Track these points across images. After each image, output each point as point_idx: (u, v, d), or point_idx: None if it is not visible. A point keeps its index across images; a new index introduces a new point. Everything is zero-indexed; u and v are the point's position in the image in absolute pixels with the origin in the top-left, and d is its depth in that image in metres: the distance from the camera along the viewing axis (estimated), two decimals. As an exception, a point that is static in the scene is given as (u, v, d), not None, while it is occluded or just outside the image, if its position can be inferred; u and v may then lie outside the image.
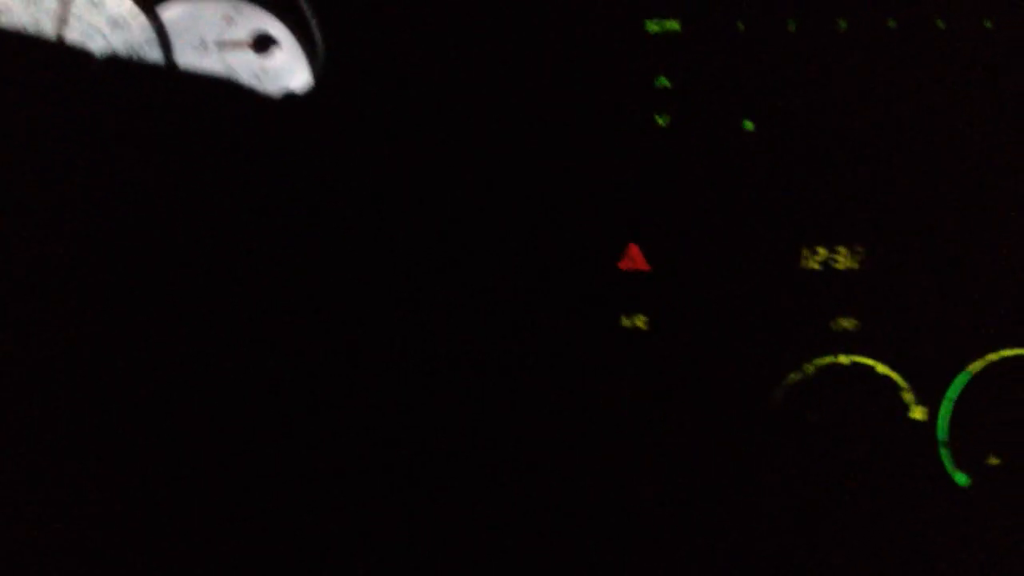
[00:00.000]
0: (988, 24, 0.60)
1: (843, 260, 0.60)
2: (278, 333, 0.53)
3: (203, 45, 0.85)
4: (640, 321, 0.60)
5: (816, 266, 0.60)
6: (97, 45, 0.83)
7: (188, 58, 0.85)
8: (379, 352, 0.57)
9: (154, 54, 0.84)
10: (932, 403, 0.58)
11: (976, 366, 0.58)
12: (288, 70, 0.85)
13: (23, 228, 0.47)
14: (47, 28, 0.83)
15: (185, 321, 0.51)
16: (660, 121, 0.61)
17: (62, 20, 0.83)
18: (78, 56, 0.50)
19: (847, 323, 0.59)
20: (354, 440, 0.56)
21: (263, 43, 0.85)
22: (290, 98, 0.54)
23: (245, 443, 0.52)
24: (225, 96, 0.53)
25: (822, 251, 0.60)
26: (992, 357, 0.58)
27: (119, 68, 0.50)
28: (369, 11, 0.58)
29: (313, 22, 0.56)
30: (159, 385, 0.50)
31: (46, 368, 0.47)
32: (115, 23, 0.83)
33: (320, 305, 0.54)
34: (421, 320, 0.58)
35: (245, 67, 0.85)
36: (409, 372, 0.57)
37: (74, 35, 0.83)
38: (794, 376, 0.59)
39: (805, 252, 0.60)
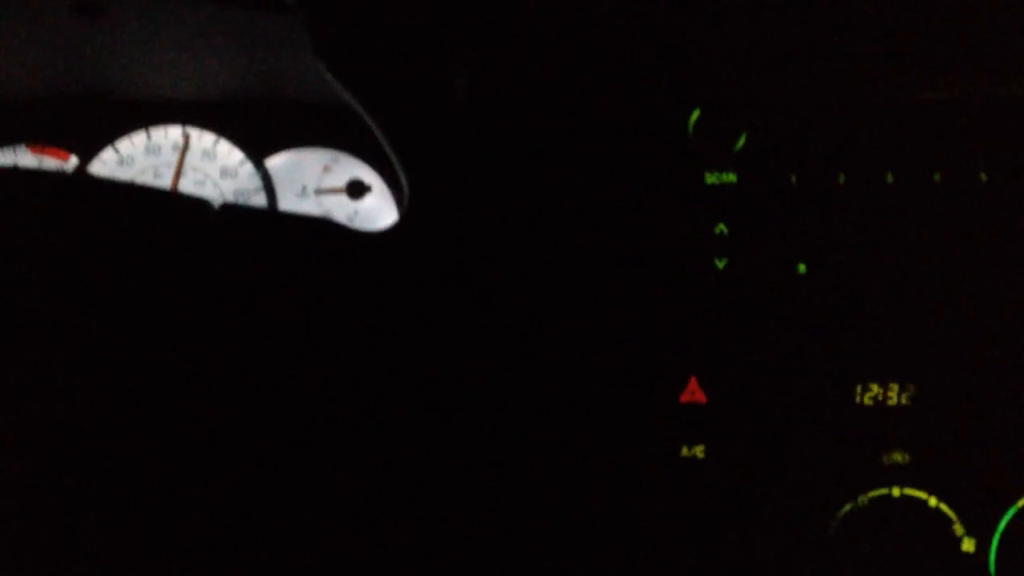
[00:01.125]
0: (1029, 177, 0.64)
1: (895, 397, 0.63)
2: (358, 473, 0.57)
3: (304, 191, 0.93)
4: (699, 451, 0.63)
5: (869, 402, 0.63)
6: (208, 192, 0.92)
7: (290, 203, 0.93)
8: (458, 484, 0.60)
9: (259, 199, 0.92)
10: (983, 536, 0.60)
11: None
12: (378, 212, 0.93)
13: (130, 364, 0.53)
14: (166, 176, 0.92)
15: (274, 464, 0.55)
16: (719, 264, 0.65)
17: (178, 170, 0.92)
18: (195, 203, 0.56)
19: (899, 457, 0.62)
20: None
21: (357, 189, 0.93)
22: (379, 236, 0.60)
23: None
24: (322, 234, 0.59)
25: (875, 387, 0.63)
26: (1041, 492, 0.60)
27: (231, 215, 0.56)
28: (450, 163, 0.64)
29: (400, 171, 0.62)
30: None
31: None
32: (226, 172, 0.92)
33: (398, 434, 0.59)
34: (492, 451, 0.62)
35: (340, 210, 0.93)
36: (475, 507, 0.61)
37: (188, 183, 0.92)
38: (848, 508, 0.62)
39: (858, 388, 0.63)
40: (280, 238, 0.57)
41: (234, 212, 0.57)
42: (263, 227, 0.58)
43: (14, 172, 0.56)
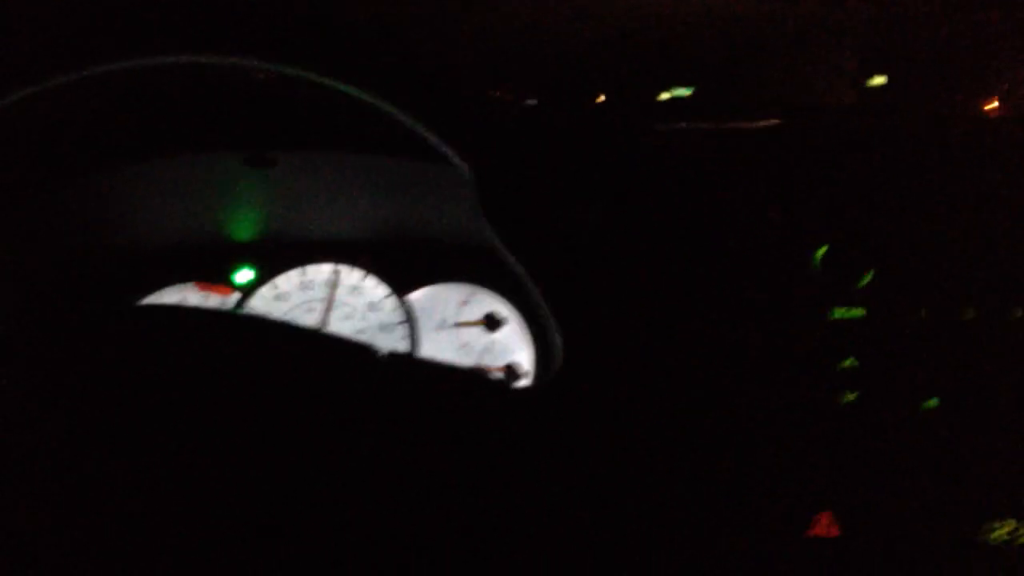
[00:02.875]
0: None
1: (1031, 532, 0.63)
2: None
3: (443, 323, 0.98)
4: None
5: (1000, 539, 0.63)
6: (356, 325, 0.98)
7: (430, 334, 0.98)
8: None
9: (402, 331, 0.98)
10: None
11: None
12: (513, 344, 0.97)
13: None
14: (317, 310, 0.98)
15: None
16: (848, 397, 0.67)
17: (329, 304, 0.99)
18: (362, 350, 0.60)
19: None
20: None
21: (493, 322, 0.97)
22: (528, 392, 0.64)
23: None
24: (465, 386, 0.62)
25: (1005, 525, 0.63)
26: None
27: (394, 363, 0.60)
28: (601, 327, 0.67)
29: (556, 334, 0.66)
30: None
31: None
32: (372, 306, 0.98)
33: None
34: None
35: (476, 342, 0.98)
36: None
37: (338, 316, 0.98)
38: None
39: (989, 526, 0.63)
40: (436, 385, 0.61)
41: (397, 359, 0.61)
42: (421, 374, 0.62)
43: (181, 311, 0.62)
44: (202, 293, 0.99)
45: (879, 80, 0.94)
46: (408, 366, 0.60)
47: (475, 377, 0.61)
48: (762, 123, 0.75)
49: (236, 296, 0.99)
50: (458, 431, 0.59)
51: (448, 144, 0.64)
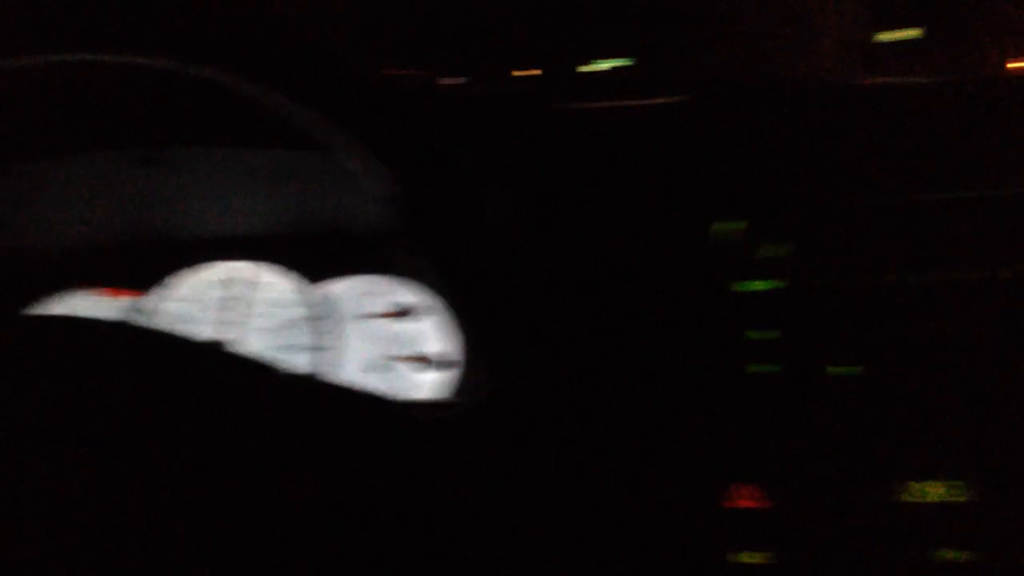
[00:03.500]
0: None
1: (945, 494, 0.63)
2: None
3: (355, 315, 0.96)
4: (746, 556, 0.64)
5: (920, 499, 0.64)
6: (260, 322, 0.95)
7: (341, 328, 0.96)
8: None
9: (310, 327, 0.95)
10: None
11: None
12: (426, 334, 0.96)
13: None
14: (227, 307, 0.95)
15: None
16: (765, 368, 0.67)
17: (238, 301, 0.96)
18: (262, 370, 0.58)
19: (954, 554, 0.62)
20: None
21: (404, 313, 0.96)
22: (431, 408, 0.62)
23: None
24: (370, 409, 0.61)
25: (924, 486, 0.64)
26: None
27: (294, 382, 0.58)
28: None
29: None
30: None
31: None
32: (276, 302, 0.96)
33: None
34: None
35: (388, 334, 0.96)
36: None
37: (240, 314, 0.96)
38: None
39: (908, 486, 0.64)
40: (339, 412, 0.59)
41: (299, 380, 0.59)
42: (325, 398, 0.60)
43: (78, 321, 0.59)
44: (111, 296, 0.95)
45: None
46: (309, 389, 0.58)
47: (380, 404, 0.59)
48: (671, 98, 0.75)
49: (147, 298, 0.95)
50: (357, 463, 0.58)
51: (343, 131, 0.62)
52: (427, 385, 0.94)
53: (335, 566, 0.55)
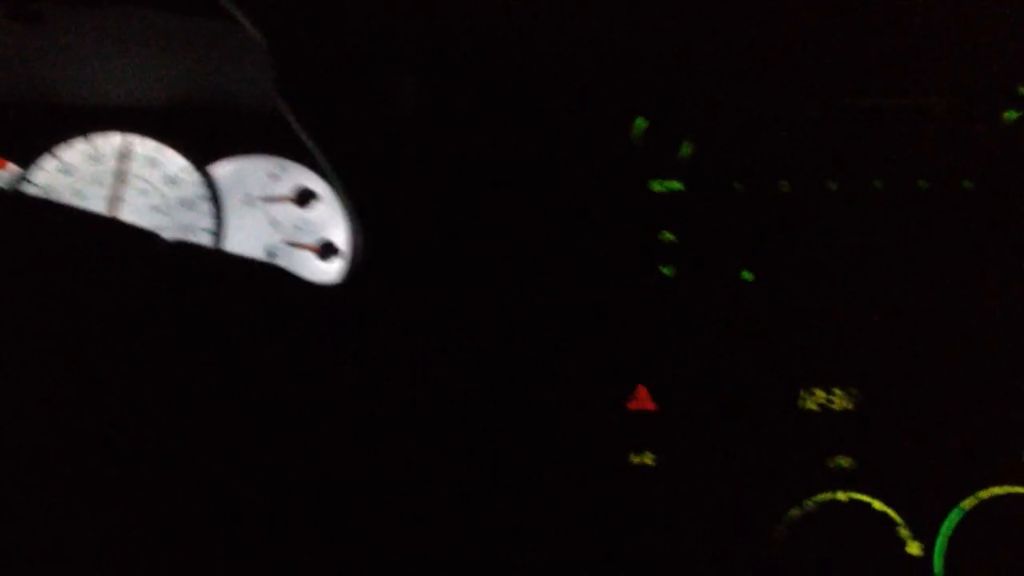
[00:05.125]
0: (967, 184, 0.65)
1: (839, 401, 0.63)
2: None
3: (249, 199, 0.92)
4: (648, 458, 0.63)
5: (814, 407, 0.63)
6: (152, 200, 0.90)
7: (236, 210, 0.92)
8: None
9: (204, 207, 0.91)
10: (927, 539, 0.61)
11: (968, 503, 0.61)
12: (327, 221, 0.92)
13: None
14: (108, 184, 0.90)
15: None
16: (666, 272, 0.66)
17: (121, 177, 0.91)
18: (145, 236, 0.54)
19: (844, 461, 0.62)
20: None
21: (304, 197, 0.92)
22: (329, 289, 0.59)
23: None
24: (267, 281, 0.57)
25: (819, 393, 0.64)
26: (983, 494, 0.61)
27: (179, 250, 0.55)
28: (400, 204, 0.63)
29: (354, 222, 0.61)
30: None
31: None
32: (170, 180, 0.91)
33: (346, 457, 0.58)
34: (444, 464, 0.62)
35: (287, 218, 0.92)
36: (427, 523, 0.60)
37: (132, 191, 0.90)
38: (794, 512, 0.62)
39: (803, 394, 0.64)
40: (228, 281, 0.55)
41: (183, 249, 0.56)
42: (212, 267, 0.56)
43: None
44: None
45: None
46: (195, 257, 0.55)
47: (270, 271, 0.56)
48: None
49: (14, 169, 0.90)
50: (249, 333, 0.54)
51: (237, 4, 0.57)
52: (327, 273, 0.90)
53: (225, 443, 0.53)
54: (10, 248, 0.52)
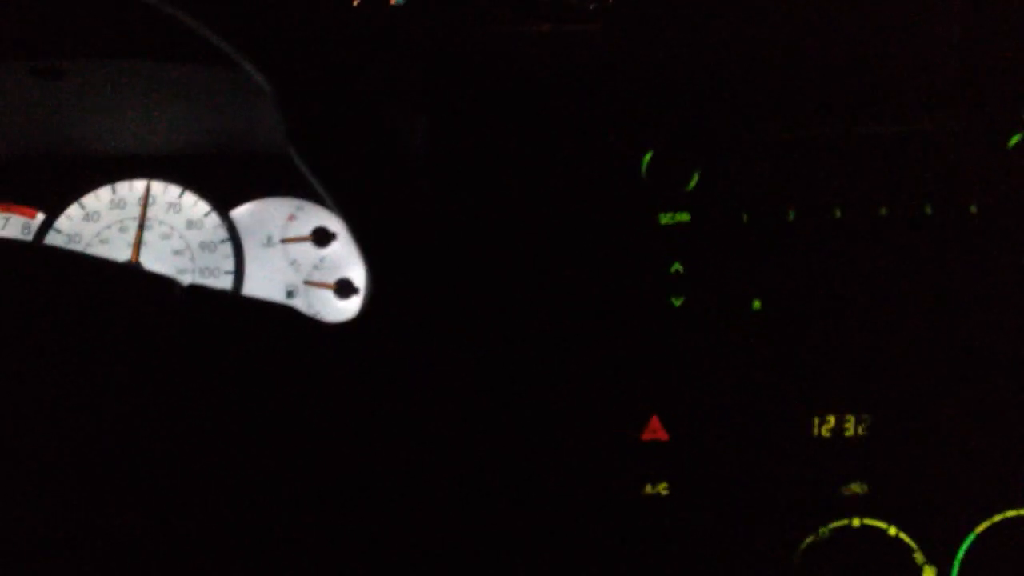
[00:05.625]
0: (973, 209, 0.65)
1: (851, 428, 0.64)
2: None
3: (269, 241, 0.93)
4: (662, 488, 0.64)
5: (826, 434, 0.64)
6: (175, 244, 0.92)
7: (256, 252, 0.93)
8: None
9: (225, 249, 0.93)
10: (943, 564, 0.61)
11: (983, 527, 0.61)
12: (345, 259, 0.93)
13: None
14: (131, 229, 0.92)
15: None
16: (676, 302, 0.66)
17: (142, 222, 0.93)
18: (161, 282, 0.56)
19: (857, 488, 0.63)
20: None
21: (322, 237, 0.93)
22: (341, 327, 0.60)
23: None
24: (284, 323, 0.58)
25: (831, 419, 0.64)
26: (998, 518, 0.61)
27: (196, 296, 0.56)
28: (412, 254, 0.64)
29: (365, 263, 0.62)
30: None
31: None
32: (191, 224, 0.93)
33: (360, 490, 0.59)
34: (458, 495, 0.63)
35: (306, 258, 0.93)
36: (441, 555, 0.61)
37: (154, 235, 0.92)
38: (810, 540, 0.62)
39: (816, 421, 0.64)
40: (243, 323, 0.57)
41: (199, 294, 0.57)
42: (227, 310, 0.57)
43: None
44: (2, 215, 0.92)
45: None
46: (210, 301, 0.56)
47: (285, 313, 0.57)
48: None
49: (40, 217, 0.92)
50: (264, 373, 0.56)
51: (243, 52, 0.59)
52: (345, 310, 0.92)
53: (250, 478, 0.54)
54: (27, 297, 0.53)
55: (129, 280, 0.55)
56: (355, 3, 0.84)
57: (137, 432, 0.51)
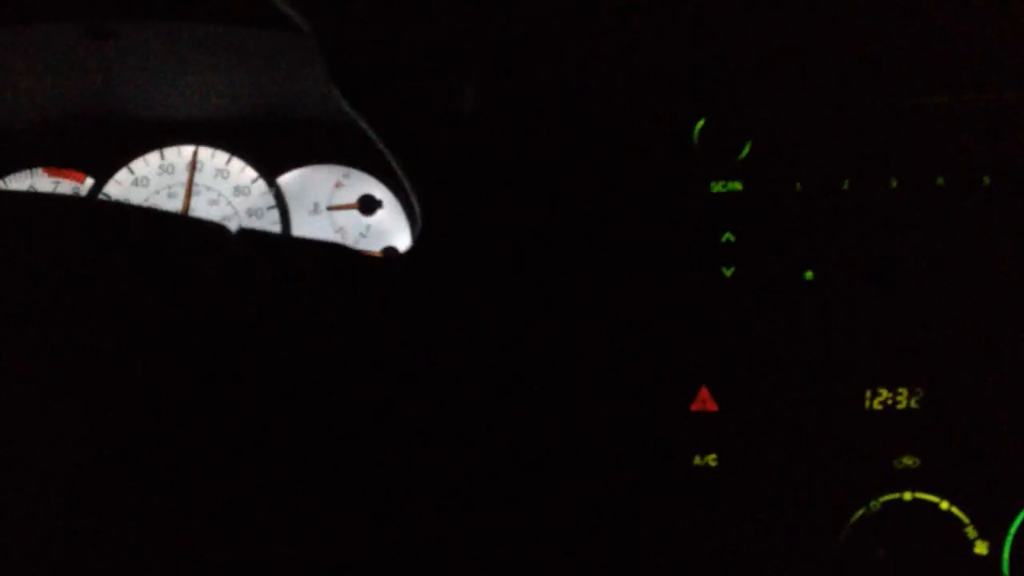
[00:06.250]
0: (1033, 180, 0.64)
1: (904, 401, 0.63)
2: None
3: (316, 208, 0.94)
4: (711, 460, 0.64)
5: (879, 406, 0.63)
6: (222, 210, 0.93)
7: (302, 219, 0.94)
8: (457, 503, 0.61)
9: (272, 216, 0.93)
10: (995, 538, 0.60)
11: (1038, 502, 0.60)
12: (391, 227, 0.94)
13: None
14: (180, 195, 0.93)
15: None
16: (727, 273, 0.66)
17: (189, 188, 0.93)
18: (213, 228, 0.56)
19: (909, 461, 0.62)
20: None
21: (368, 205, 0.93)
22: (391, 261, 0.61)
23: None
24: (335, 258, 0.59)
25: (884, 392, 0.63)
26: (1052, 494, 0.60)
27: (248, 239, 0.56)
28: (461, 186, 0.64)
29: (413, 197, 0.62)
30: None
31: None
32: (239, 190, 0.93)
33: (409, 453, 0.59)
34: (506, 464, 0.63)
35: (352, 226, 0.94)
36: (487, 521, 0.61)
37: (202, 201, 0.93)
38: (860, 513, 0.62)
39: (868, 393, 0.63)
40: (295, 262, 0.57)
41: (251, 237, 0.57)
42: (279, 251, 0.58)
43: (26, 196, 0.57)
44: (52, 179, 0.92)
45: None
46: (264, 243, 0.56)
47: (339, 250, 0.58)
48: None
49: (90, 182, 0.93)
50: (325, 307, 0.56)
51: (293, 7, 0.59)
52: (390, 279, 0.92)
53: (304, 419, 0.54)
54: (79, 249, 0.54)
55: (182, 227, 0.56)
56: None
57: (193, 378, 0.52)
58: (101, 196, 0.92)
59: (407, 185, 0.62)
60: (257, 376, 0.53)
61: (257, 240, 0.56)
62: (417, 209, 0.61)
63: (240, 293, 0.54)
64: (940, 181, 0.65)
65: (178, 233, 0.55)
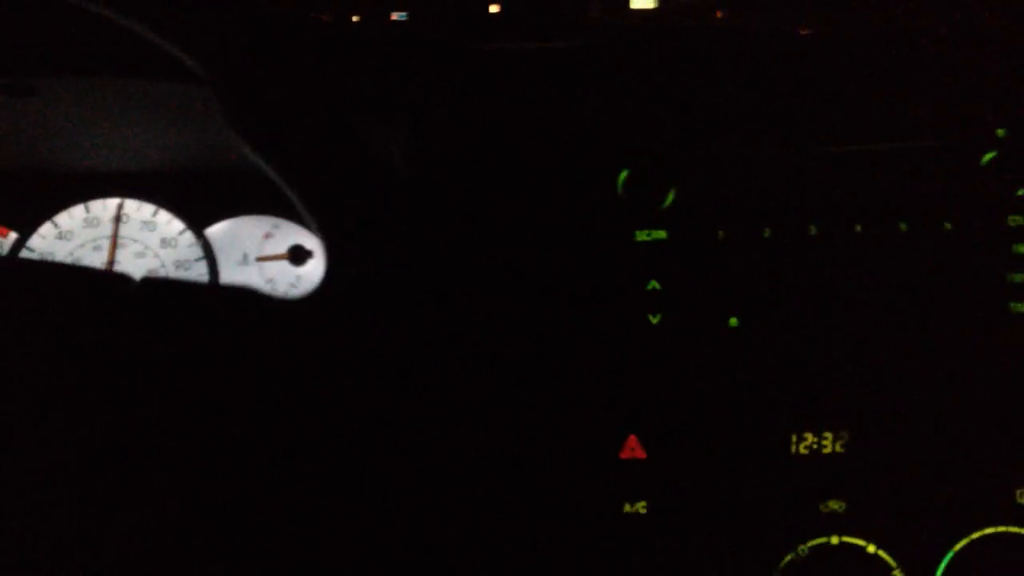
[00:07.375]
0: (948, 226, 0.65)
1: (829, 445, 0.64)
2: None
3: (245, 259, 0.93)
4: (641, 507, 0.64)
5: (804, 451, 0.64)
6: (149, 263, 0.92)
7: (231, 270, 0.93)
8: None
9: (200, 268, 0.92)
10: (922, 581, 0.61)
11: (962, 544, 0.61)
12: (321, 276, 0.93)
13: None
14: (105, 248, 0.91)
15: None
16: (653, 320, 0.66)
17: (114, 241, 0.92)
18: (115, 279, 0.56)
19: (836, 505, 0.63)
20: None
21: (299, 255, 0.93)
22: (297, 303, 0.60)
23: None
24: (236, 301, 0.58)
25: (810, 437, 0.64)
26: (975, 535, 0.61)
27: (151, 288, 0.56)
28: (369, 228, 0.64)
29: (320, 237, 0.62)
30: None
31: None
32: (166, 242, 0.92)
33: (327, 498, 0.58)
34: (434, 513, 0.62)
35: (283, 276, 0.93)
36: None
37: (128, 254, 0.92)
38: (789, 558, 0.62)
39: (794, 438, 0.64)
40: (199, 308, 0.56)
41: (152, 285, 0.57)
42: (182, 298, 0.57)
43: None
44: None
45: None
46: (165, 291, 0.56)
47: (242, 293, 0.57)
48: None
49: (14, 235, 0.91)
50: (228, 350, 0.55)
51: (186, 53, 0.59)
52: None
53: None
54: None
55: (84, 280, 0.55)
56: (355, 19, 0.84)
57: (99, 426, 0.51)
58: (25, 250, 0.91)
59: (314, 230, 0.62)
60: (156, 423, 0.52)
61: (159, 288, 0.56)
62: (324, 251, 0.61)
63: (142, 340, 0.53)
64: (858, 227, 0.66)
65: (77, 284, 0.54)
